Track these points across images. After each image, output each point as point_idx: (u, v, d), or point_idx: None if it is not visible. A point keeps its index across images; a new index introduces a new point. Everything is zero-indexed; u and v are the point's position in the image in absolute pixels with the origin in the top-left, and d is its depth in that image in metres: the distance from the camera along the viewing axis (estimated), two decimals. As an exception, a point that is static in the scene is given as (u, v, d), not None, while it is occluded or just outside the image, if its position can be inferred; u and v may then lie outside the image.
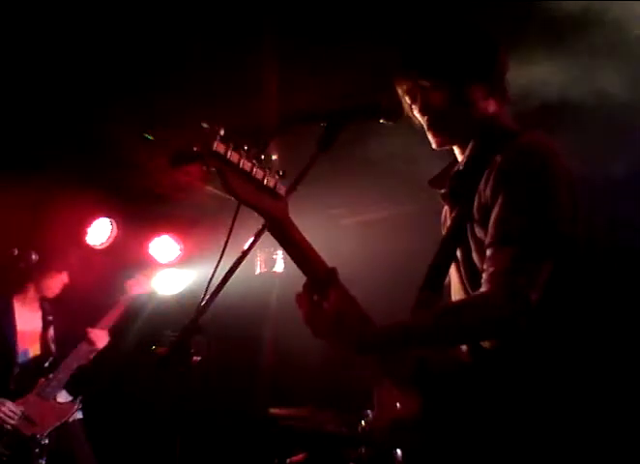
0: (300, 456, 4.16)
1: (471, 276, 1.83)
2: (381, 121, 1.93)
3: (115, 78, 4.06)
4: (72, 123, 4.50)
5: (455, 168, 1.98)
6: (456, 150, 2.04)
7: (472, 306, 1.71)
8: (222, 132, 1.60)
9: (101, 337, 4.35)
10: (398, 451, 3.27)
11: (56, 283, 4.49)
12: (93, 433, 4.56)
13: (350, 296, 1.75)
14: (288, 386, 5.27)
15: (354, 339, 1.70)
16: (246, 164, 1.63)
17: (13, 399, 4.01)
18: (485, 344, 1.73)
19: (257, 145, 1.72)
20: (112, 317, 4.46)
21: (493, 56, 1.99)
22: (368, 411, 3.95)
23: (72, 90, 4.16)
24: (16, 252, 4.40)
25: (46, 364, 4.21)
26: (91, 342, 4.29)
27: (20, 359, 4.21)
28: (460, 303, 1.85)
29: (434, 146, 2.03)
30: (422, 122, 2.00)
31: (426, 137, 2.05)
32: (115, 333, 4.59)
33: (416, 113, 2.00)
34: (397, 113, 1.94)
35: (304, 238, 1.78)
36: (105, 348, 4.37)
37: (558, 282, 1.67)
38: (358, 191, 5.10)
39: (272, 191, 1.70)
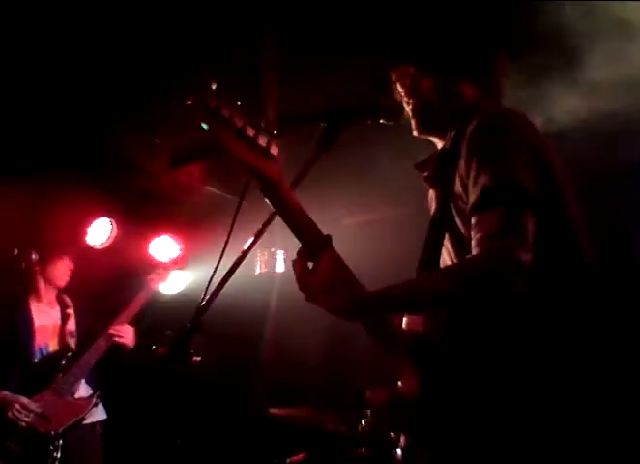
0: (300, 456, 4.16)
1: (461, 253, 1.82)
2: (381, 121, 1.93)
3: (115, 78, 4.06)
4: (71, 123, 4.50)
5: (439, 152, 1.99)
6: (439, 143, 2.04)
7: (463, 267, 1.70)
8: (215, 87, 1.60)
9: (125, 332, 4.34)
10: (398, 451, 3.27)
11: (62, 270, 4.48)
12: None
13: (342, 261, 1.77)
14: (288, 385, 5.27)
15: (344, 301, 1.70)
16: (238, 121, 1.62)
17: (30, 395, 3.98)
18: (482, 316, 1.70)
19: (251, 103, 1.71)
20: (132, 311, 4.46)
21: (488, 56, 2.01)
22: (368, 411, 3.95)
23: (72, 90, 4.17)
24: (16, 252, 4.40)
25: (64, 360, 4.18)
26: (110, 338, 4.28)
27: (40, 354, 4.20)
28: (451, 265, 1.83)
29: (414, 133, 2.03)
30: (408, 110, 2.01)
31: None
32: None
33: (404, 101, 2.01)
34: (397, 113, 1.95)
35: (297, 202, 1.77)
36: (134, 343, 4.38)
37: (541, 244, 1.64)
38: (358, 191, 5.10)
39: (264, 151, 1.69)
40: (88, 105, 4.32)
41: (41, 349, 4.22)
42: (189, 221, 5.57)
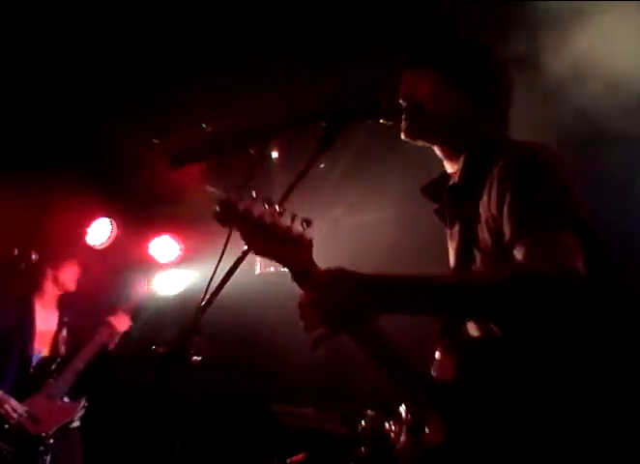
0: (300, 456, 4.15)
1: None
2: (381, 121, 1.92)
3: (115, 79, 4.06)
4: (72, 123, 4.50)
5: (451, 182, 1.93)
6: (439, 153, 2.00)
7: (513, 270, 1.55)
8: (239, 189, 1.59)
9: (121, 321, 4.38)
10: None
11: (70, 275, 4.50)
12: (93, 433, 4.56)
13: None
14: (288, 386, 5.27)
15: (350, 282, 1.56)
16: (267, 218, 1.61)
17: (21, 399, 4.04)
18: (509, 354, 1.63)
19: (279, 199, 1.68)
20: (130, 305, 4.49)
21: (498, 80, 1.97)
22: (368, 411, 3.95)
23: (73, 90, 4.17)
24: (16, 252, 4.40)
25: (54, 365, 4.23)
26: (111, 326, 4.31)
27: (35, 360, 4.23)
28: (502, 266, 1.64)
29: (402, 135, 1.97)
30: (402, 111, 1.96)
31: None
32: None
33: (403, 103, 1.96)
34: (397, 113, 1.94)
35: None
36: (126, 332, 4.39)
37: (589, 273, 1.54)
38: (358, 191, 5.10)
39: (295, 242, 1.67)
40: (88, 106, 4.32)
41: (36, 355, 4.24)
42: (188, 221, 5.57)
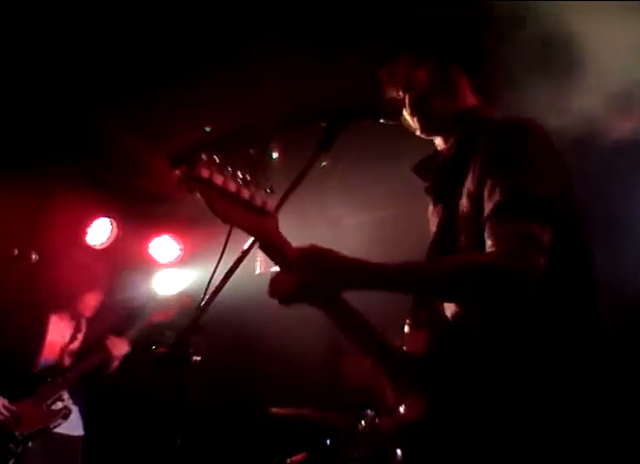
0: (300, 456, 4.16)
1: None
2: (381, 121, 1.92)
3: (115, 78, 4.06)
4: (72, 123, 4.50)
5: (440, 160, 1.95)
6: (437, 140, 2.01)
7: (474, 258, 1.64)
8: (205, 157, 1.59)
9: (118, 345, 4.37)
10: (398, 451, 3.27)
11: (93, 302, 4.53)
12: (93, 433, 4.56)
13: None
14: (288, 386, 5.27)
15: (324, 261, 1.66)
16: (231, 186, 1.62)
17: (16, 400, 4.11)
18: (487, 327, 1.67)
19: (246, 162, 1.71)
20: (137, 330, 4.49)
21: (482, 51, 2.00)
22: (368, 411, 3.95)
23: (73, 90, 4.17)
24: (16, 252, 4.40)
25: (52, 374, 4.28)
26: (106, 350, 4.32)
27: (40, 366, 4.30)
28: (462, 255, 1.72)
29: (418, 133, 1.99)
30: (406, 111, 1.97)
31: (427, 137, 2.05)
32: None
33: (401, 101, 1.98)
34: (397, 113, 1.94)
35: (292, 250, 1.75)
36: (125, 356, 4.39)
37: (557, 256, 1.61)
38: (358, 191, 5.10)
39: (260, 210, 1.68)
40: (88, 105, 4.32)
41: (44, 363, 4.31)
42: (188, 221, 5.57)
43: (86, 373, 4.32)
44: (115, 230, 5.24)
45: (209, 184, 1.58)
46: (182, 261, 5.57)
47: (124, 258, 5.32)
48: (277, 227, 1.72)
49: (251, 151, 4.65)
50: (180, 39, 3.75)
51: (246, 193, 1.65)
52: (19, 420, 4.06)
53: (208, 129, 4.55)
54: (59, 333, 4.42)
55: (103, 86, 4.13)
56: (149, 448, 4.99)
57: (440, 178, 1.92)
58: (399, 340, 1.88)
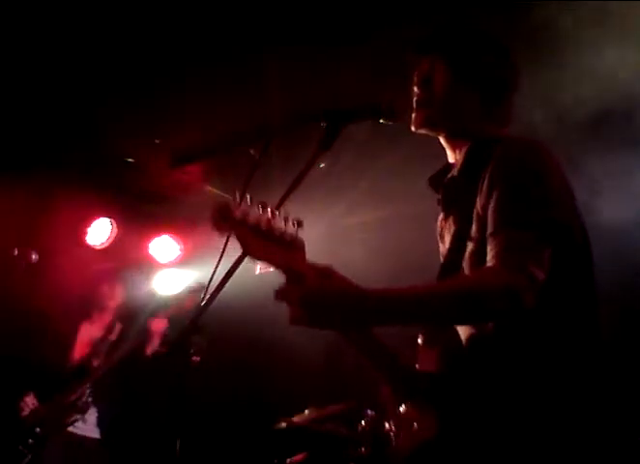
0: (300, 456, 4.16)
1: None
2: (381, 121, 1.93)
3: (116, 78, 4.06)
4: (72, 123, 4.50)
5: (450, 175, 1.98)
6: (444, 143, 2.04)
7: (477, 276, 1.68)
8: (238, 198, 1.61)
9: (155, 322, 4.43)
10: (398, 452, 3.27)
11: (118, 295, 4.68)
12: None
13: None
14: (288, 386, 5.27)
15: (341, 302, 1.60)
16: (263, 224, 1.62)
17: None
18: (492, 340, 1.69)
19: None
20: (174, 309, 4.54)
21: (509, 78, 2.01)
22: (368, 411, 3.95)
23: (73, 90, 4.16)
24: (16, 252, 4.40)
25: (81, 377, 4.34)
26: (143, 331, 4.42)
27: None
28: (463, 274, 1.77)
29: (413, 127, 2.01)
30: (414, 100, 2.00)
31: (427, 138, 2.05)
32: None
33: (413, 92, 2.00)
34: (397, 113, 1.94)
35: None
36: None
37: (558, 271, 1.64)
38: (358, 191, 5.10)
39: (290, 244, 1.67)
40: (88, 105, 4.32)
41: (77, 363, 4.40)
42: (188, 221, 5.57)
43: (123, 359, 4.35)
44: (115, 230, 5.24)
45: (243, 224, 1.59)
46: (182, 261, 5.57)
47: (124, 258, 5.32)
48: (304, 259, 1.70)
49: (251, 151, 4.66)
50: (180, 39, 3.75)
51: (276, 230, 1.64)
52: (43, 420, 4.11)
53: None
54: (88, 337, 4.51)
55: (104, 86, 4.12)
56: (149, 447, 4.99)
57: (449, 194, 1.96)
58: (411, 357, 1.89)
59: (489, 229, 1.70)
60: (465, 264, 1.80)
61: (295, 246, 1.67)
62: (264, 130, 4.30)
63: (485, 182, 1.76)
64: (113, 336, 4.55)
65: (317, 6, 3.53)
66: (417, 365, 1.87)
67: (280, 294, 1.66)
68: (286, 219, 1.66)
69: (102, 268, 4.83)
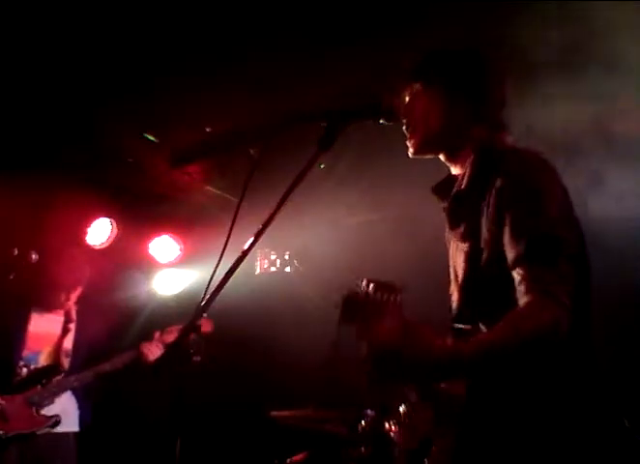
0: (300, 456, 4.16)
1: (480, 298, 1.84)
2: (381, 121, 1.94)
3: (115, 78, 4.06)
4: (72, 123, 4.50)
5: (456, 188, 1.99)
6: (444, 160, 2.07)
7: (524, 317, 1.69)
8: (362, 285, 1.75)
9: (153, 349, 4.33)
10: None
11: (72, 296, 4.47)
12: (93, 433, 4.56)
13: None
14: (288, 386, 5.27)
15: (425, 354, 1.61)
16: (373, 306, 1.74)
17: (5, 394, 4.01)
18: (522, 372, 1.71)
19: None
20: (123, 359, 4.41)
21: (493, 82, 2.04)
22: (368, 411, 3.95)
23: (73, 90, 4.16)
24: (16, 252, 4.40)
25: (50, 377, 4.19)
26: (139, 354, 4.30)
27: (30, 360, 4.20)
28: (511, 315, 1.76)
29: (410, 153, 2.07)
30: (405, 131, 2.06)
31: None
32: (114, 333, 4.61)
33: (403, 122, 2.05)
34: (397, 114, 1.95)
35: None
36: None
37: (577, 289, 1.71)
38: (358, 191, 5.10)
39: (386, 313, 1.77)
40: (88, 105, 4.32)
41: (32, 354, 4.22)
42: (188, 221, 5.57)
43: (105, 374, 4.26)
44: (115, 230, 5.24)
45: (372, 308, 1.76)
46: (182, 261, 5.57)
47: (124, 258, 5.32)
48: (398, 328, 1.69)
49: (251, 151, 4.66)
50: (180, 38, 3.75)
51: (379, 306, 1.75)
52: (5, 417, 3.93)
53: (208, 130, 4.55)
54: (44, 324, 4.33)
55: (104, 86, 4.12)
56: (149, 447, 4.99)
57: (457, 207, 1.98)
58: None
59: (512, 256, 1.72)
60: (486, 284, 1.82)
61: (394, 311, 1.74)
62: (264, 130, 4.31)
63: (492, 202, 1.79)
64: (73, 332, 4.38)
65: (317, 5, 3.53)
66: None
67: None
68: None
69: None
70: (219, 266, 1.79)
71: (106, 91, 4.16)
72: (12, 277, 4.33)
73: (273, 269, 5.80)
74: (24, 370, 4.16)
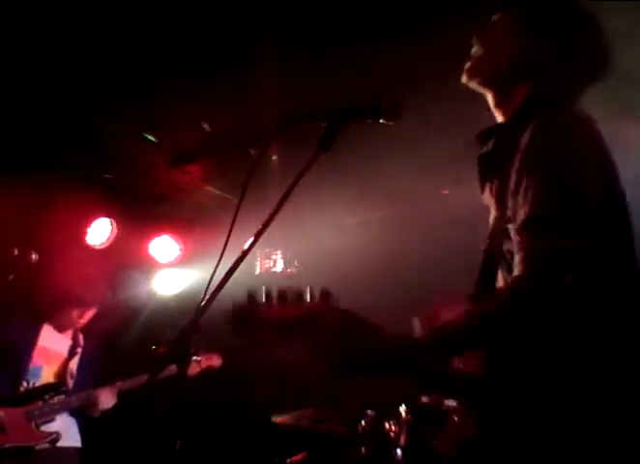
0: (300, 456, 4.16)
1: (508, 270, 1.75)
2: (381, 121, 1.92)
3: (115, 78, 4.06)
4: (72, 122, 4.50)
5: (484, 149, 1.91)
6: (490, 99, 1.99)
7: (506, 293, 1.62)
8: (264, 296, 1.61)
9: (107, 398, 4.30)
10: (398, 451, 3.27)
11: (86, 315, 4.46)
12: (93, 433, 4.55)
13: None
14: (288, 386, 5.27)
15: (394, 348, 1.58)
16: (288, 315, 1.63)
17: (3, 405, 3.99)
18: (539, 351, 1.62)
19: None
20: (128, 384, 4.40)
21: (583, 27, 1.90)
22: (368, 411, 3.95)
23: (73, 90, 4.16)
24: (16, 252, 4.39)
25: (52, 393, 4.18)
26: (96, 401, 4.25)
27: (32, 374, 4.18)
28: (501, 291, 1.69)
29: (463, 78, 1.98)
30: (473, 51, 1.96)
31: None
32: (115, 334, 4.61)
33: (477, 42, 1.96)
34: (397, 113, 1.94)
35: None
36: (109, 410, 4.31)
37: (597, 265, 1.56)
38: (358, 191, 5.10)
39: (311, 319, 1.66)
40: (88, 105, 4.32)
41: (34, 368, 4.19)
42: (188, 221, 5.57)
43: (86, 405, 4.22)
44: (115, 230, 5.24)
45: (261, 324, 1.61)
46: (182, 261, 5.57)
47: (124, 258, 5.32)
48: (332, 318, 1.67)
49: (251, 151, 4.66)
50: (180, 38, 3.74)
51: (301, 317, 1.64)
52: (2, 429, 3.89)
53: (206, 126, 4.55)
54: (53, 341, 4.34)
55: (104, 86, 4.12)
56: (149, 447, 4.99)
57: (484, 168, 1.91)
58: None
59: (518, 221, 1.64)
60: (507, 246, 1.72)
61: (315, 318, 1.65)
62: (264, 130, 4.31)
63: (517, 159, 1.69)
64: (80, 354, 4.38)
65: (317, 5, 3.53)
66: (461, 365, 1.82)
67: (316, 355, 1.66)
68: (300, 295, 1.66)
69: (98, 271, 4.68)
70: (219, 266, 1.79)
71: (106, 91, 4.16)
72: (11, 278, 4.31)
73: (273, 269, 5.81)
74: (24, 384, 4.15)
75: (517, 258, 1.61)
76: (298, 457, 4.15)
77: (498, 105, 1.97)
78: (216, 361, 4.56)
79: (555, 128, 1.69)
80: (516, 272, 1.60)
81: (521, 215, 1.63)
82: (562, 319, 1.54)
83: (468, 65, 1.98)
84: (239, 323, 1.60)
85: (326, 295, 1.65)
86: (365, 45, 3.64)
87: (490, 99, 1.99)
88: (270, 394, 5.48)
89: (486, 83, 1.97)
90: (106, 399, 4.29)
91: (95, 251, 5.13)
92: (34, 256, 4.34)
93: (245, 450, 5.31)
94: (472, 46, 2.00)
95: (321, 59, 3.82)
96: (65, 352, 4.36)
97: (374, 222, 5.43)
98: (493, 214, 1.86)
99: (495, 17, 1.97)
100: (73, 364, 4.37)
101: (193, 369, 4.37)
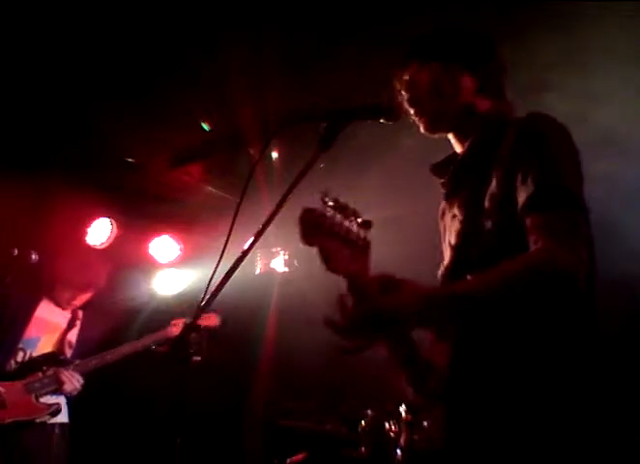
0: (300, 456, 4.16)
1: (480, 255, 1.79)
2: (381, 121, 1.93)
3: (115, 78, 4.06)
4: (72, 122, 4.50)
5: (459, 158, 1.99)
6: (452, 139, 2.06)
7: (532, 259, 1.61)
8: (330, 202, 1.64)
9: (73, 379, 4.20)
10: (398, 451, 3.27)
11: (81, 299, 4.45)
12: (93, 433, 4.56)
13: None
14: (288, 386, 5.27)
15: (410, 296, 1.60)
16: (342, 229, 1.68)
17: (3, 380, 3.94)
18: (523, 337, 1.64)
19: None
20: (117, 353, 4.34)
21: (487, 52, 2.05)
22: (368, 411, 3.95)
23: (73, 90, 4.17)
24: (16, 252, 4.39)
25: (50, 363, 4.14)
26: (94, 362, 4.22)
27: (29, 344, 4.14)
28: (516, 260, 1.63)
29: (422, 129, 2.04)
30: (411, 111, 2.03)
31: (427, 138, 2.06)
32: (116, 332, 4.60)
33: (406, 103, 2.04)
34: (397, 113, 1.94)
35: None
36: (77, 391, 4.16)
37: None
38: (358, 191, 5.09)
39: (359, 249, 1.74)
40: (88, 105, 4.32)
41: (31, 339, 4.18)
42: (188, 221, 5.57)
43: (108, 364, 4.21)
44: (115, 230, 5.24)
45: (331, 235, 1.63)
46: (182, 261, 5.57)
47: (124, 258, 5.32)
48: (368, 266, 1.75)
49: (251, 151, 4.66)
50: (180, 38, 3.75)
51: (351, 234, 1.71)
52: (2, 404, 3.83)
53: (205, 126, 4.55)
54: (50, 313, 4.29)
55: (104, 86, 4.12)
56: (149, 447, 4.99)
57: (460, 174, 1.96)
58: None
59: (521, 204, 1.68)
60: (486, 239, 1.77)
61: (362, 250, 1.75)
62: (264, 130, 4.31)
63: (504, 161, 1.76)
64: (78, 328, 4.35)
65: (317, 5, 3.53)
66: (430, 356, 1.85)
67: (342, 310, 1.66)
68: (355, 215, 1.74)
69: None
70: (219, 266, 1.78)
71: (106, 91, 4.16)
72: (10, 279, 4.30)
73: (273, 269, 5.81)
74: (20, 354, 4.12)
75: (532, 236, 1.63)
76: (298, 457, 4.16)
77: (459, 140, 2.04)
78: (213, 320, 4.47)
79: (539, 122, 1.80)
80: (538, 245, 1.61)
81: (523, 198, 1.68)
82: (575, 295, 1.58)
83: (422, 121, 2.03)
84: (310, 230, 1.62)
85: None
86: (366, 45, 3.64)
87: (452, 137, 2.06)
88: (271, 394, 5.49)
89: (450, 128, 2.04)
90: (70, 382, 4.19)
91: (95, 251, 5.13)
92: (34, 256, 4.34)
93: (245, 450, 5.31)
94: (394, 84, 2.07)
95: (321, 58, 3.82)
96: (64, 324, 4.33)
97: (374, 222, 5.43)
98: (456, 225, 1.91)
99: (413, 67, 2.04)
100: (72, 336, 4.34)
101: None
